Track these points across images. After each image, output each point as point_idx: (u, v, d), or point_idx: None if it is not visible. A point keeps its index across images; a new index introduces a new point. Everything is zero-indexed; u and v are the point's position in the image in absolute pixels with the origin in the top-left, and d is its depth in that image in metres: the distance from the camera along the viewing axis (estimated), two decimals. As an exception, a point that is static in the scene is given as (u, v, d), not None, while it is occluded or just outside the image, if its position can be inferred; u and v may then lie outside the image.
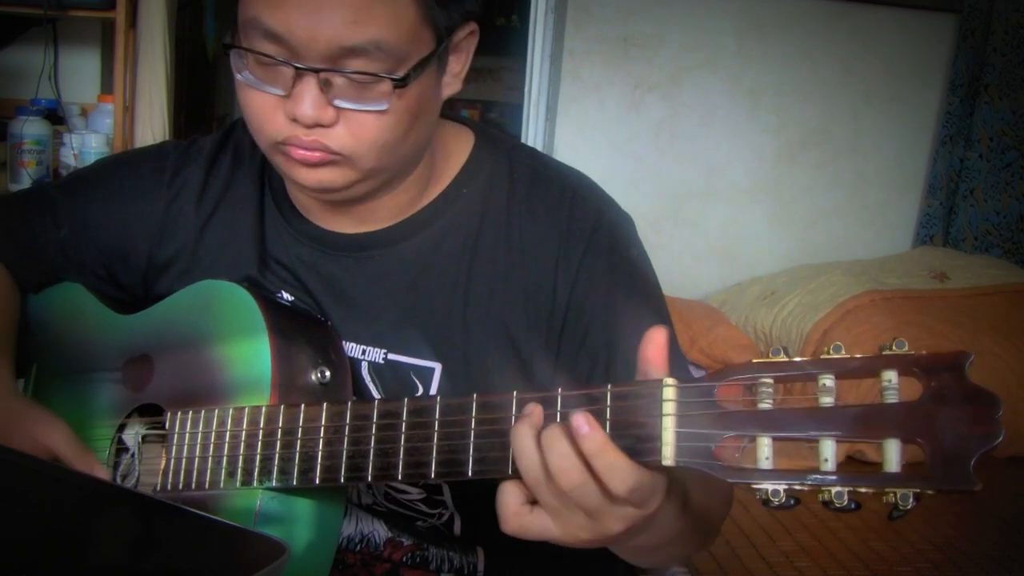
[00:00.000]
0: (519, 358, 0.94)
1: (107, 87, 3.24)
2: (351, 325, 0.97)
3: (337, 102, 0.83)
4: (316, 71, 0.82)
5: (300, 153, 0.86)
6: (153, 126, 3.01)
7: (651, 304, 0.95)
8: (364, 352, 0.97)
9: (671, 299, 3.67)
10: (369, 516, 1.04)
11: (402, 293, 0.96)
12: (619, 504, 0.68)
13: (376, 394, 0.96)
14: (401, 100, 0.84)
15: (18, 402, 0.98)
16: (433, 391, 0.95)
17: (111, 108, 3.02)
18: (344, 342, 0.97)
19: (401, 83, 0.83)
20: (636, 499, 0.68)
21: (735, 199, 3.98)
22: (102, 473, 0.92)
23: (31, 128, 2.85)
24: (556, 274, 0.93)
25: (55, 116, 3.01)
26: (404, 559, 1.04)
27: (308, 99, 0.83)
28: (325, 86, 0.83)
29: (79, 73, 3.26)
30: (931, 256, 3.94)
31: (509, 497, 0.72)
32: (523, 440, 0.69)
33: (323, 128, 0.84)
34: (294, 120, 0.84)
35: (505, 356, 0.94)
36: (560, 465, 0.67)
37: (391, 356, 0.96)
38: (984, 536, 2.82)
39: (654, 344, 0.70)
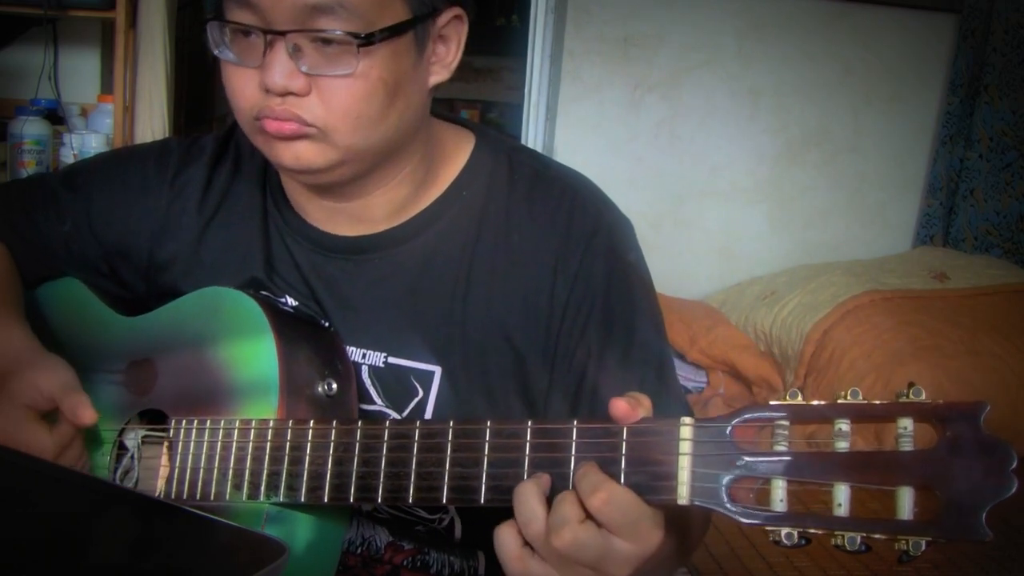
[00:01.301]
0: (518, 361, 0.94)
1: (107, 87, 3.24)
2: (351, 328, 0.97)
3: (305, 67, 0.83)
4: (283, 33, 0.82)
5: (274, 125, 0.85)
6: (153, 126, 3.01)
7: (647, 309, 0.96)
8: (364, 356, 0.96)
9: (671, 299, 3.67)
10: (370, 521, 1.04)
11: (402, 296, 0.96)
12: (619, 548, 0.68)
13: (376, 398, 0.96)
14: (371, 68, 0.84)
15: (26, 346, 0.97)
16: (433, 395, 0.95)
17: (111, 108, 3.02)
18: (345, 346, 0.96)
19: (365, 42, 0.82)
20: (636, 534, 0.68)
21: (735, 199, 3.98)
22: (86, 412, 0.90)
23: (31, 128, 2.86)
24: (555, 277, 0.93)
25: (55, 116, 3.01)
26: (405, 563, 1.04)
27: (277, 66, 0.83)
28: (295, 52, 0.83)
29: (79, 73, 3.25)
30: (931, 256, 3.94)
31: (508, 540, 0.72)
32: (526, 494, 0.71)
33: (296, 98, 0.84)
34: (267, 91, 0.84)
35: (504, 359, 0.94)
36: (554, 523, 0.68)
37: (391, 360, 0.96)
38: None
39: (631, 415, 0.70)
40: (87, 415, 0.90)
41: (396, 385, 0.95)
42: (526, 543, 0.72)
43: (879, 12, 3.88)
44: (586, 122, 3.79)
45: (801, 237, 4.06)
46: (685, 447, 0.68)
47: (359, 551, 1.04)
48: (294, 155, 0.87)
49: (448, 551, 1.04)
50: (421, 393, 0.95)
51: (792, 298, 3.60)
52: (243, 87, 0.87)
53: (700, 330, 3.55)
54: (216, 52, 0.87)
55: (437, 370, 0.95)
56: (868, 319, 3.38)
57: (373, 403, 0.96)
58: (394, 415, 0.95)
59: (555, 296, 0.93)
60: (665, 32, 3.77)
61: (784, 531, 0.64)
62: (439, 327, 0.95)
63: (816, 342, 3.38)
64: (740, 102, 3.88)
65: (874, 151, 4.03)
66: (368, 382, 0.96)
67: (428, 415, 0.94)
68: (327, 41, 0.83)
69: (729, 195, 3.97)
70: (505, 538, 0.72)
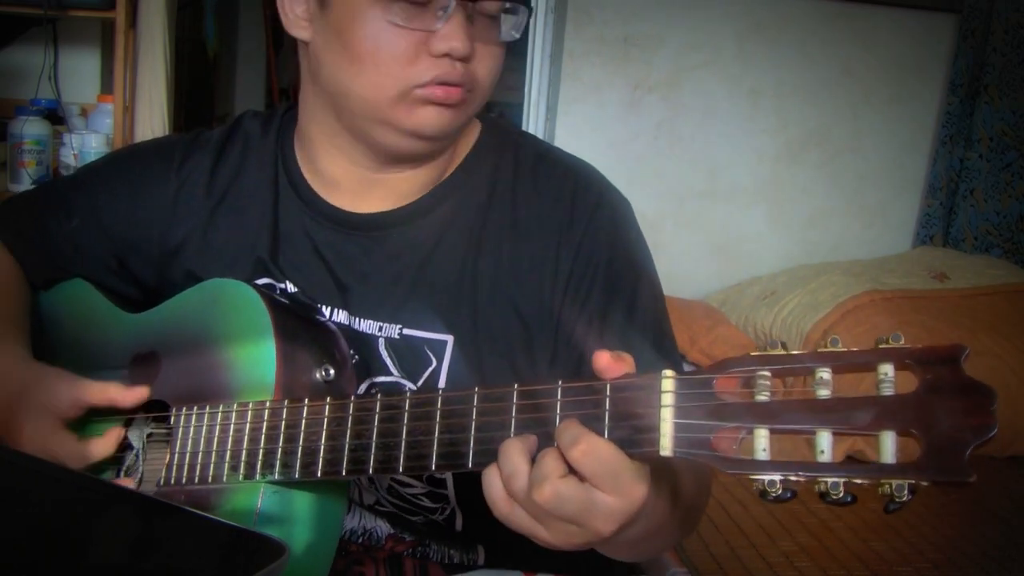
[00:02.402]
0: (525, 328, 0.97)
1: (107, 87, 3.24)
2: (368, 302, 0.99)
3: (474, 35, 0.88)
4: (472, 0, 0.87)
5: (446, 92, 0.88)
6: (153, 126, 3.01)
7: (647, 281, 0.98)
8: (381, 328, 0.99)
9: (671, 299, 3.67)
10: (372, 514, 1.05)
11: (416, 270, 0.98)
12: (602, 502, 0.68)
13: (393, 369, 0.98)
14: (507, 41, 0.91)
15: (36, 365, 0.99)
16: (446, 363, 0.97)
17: (111, 108, 3.02)
18: (362, 319, 0.99)
19: (528, 11, 0.90)
20: (618, 487, 0.68)
21: (735, 199, 3.98)
22: (138, 392, 0.93)
23: (31, 128, 2.85)
24: (559, 249, 0.96)
25: (55, 116, 3.01)
26: (406, 552, 1.05)
27: (462, 30, 0.86)
28: (469, 20, 0.87)
29: (79, 73, 3.25)
30: (931, 256, 3.94)
31: (495, 482, 0.72)
32: (509, 449, 0.71)
33: (464, 65, 0.88)
34: (444, 56, 0.87)
35: (512, 327, 0.97)
36: (536, 477, 0.69)
37: (406, 331, 0.98)
38: (984, 536, 2.82)
39: (614, 368, 0.71)
40: (132, 394, 0.93)
41: (411, 356, 0.98)
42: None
43: (879, 12, 3.88)
44: (586, 122, 3.79)
45: (801, 237, 4.06)
46: (667, 399, 0.68)
47: (360, 541, 1.05)
48: (442, 123, 0.90)
49: (448, 543, 1.05)
50: (435, 362, 0.97)
51: (792, 298, 3.60)
52: (409, 55, 0.87)
53: (700, 330, 3.55)
54: (382, 17, 0.87)
55: (449, 339, 0.97)
56: (868, 319, 3.38)
57: (390, 374, 0.99)
58: (410, 385, 0.98)
59: (559, 267, 0.96)
60: (665, 32, 3.77)
61: (767, 479, 0.64)
62: (450, 297, 0.97)
63: (816, 342, 3.36)
64: (740, 102, 3.88)
65: (874, 151, 4.04)
66: (384, 354, 0.99)
67: (442, 384, 0.97)
68: (510, 10, 0.89)
69: (729, 195, 3.97)
70: (492, 480, 0.72)
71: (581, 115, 3.78)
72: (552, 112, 3.80)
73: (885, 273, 3.74)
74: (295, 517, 0.87)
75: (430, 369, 0.97)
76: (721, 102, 3.86)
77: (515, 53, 4.64)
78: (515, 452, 0.71)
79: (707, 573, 2.49)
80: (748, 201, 3.99)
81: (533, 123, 3.84)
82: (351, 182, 1.00)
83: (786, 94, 3.91)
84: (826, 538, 2.68)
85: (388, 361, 0.98)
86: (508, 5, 0.89)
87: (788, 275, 3.84)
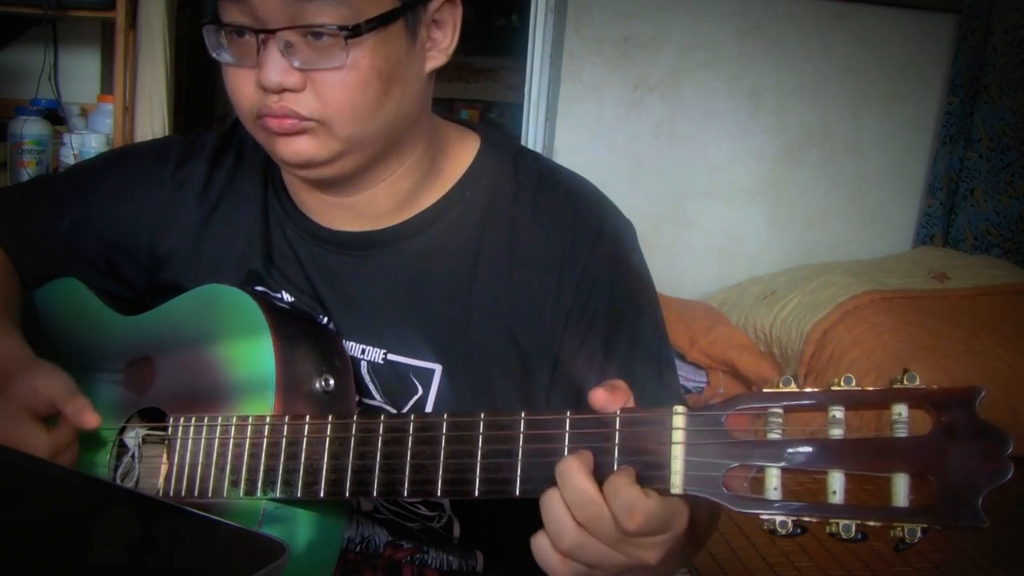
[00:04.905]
0: (522, 361, 0.94)
1: (107, 87, 3.24)
2: (351, 324, 0.97)
3: (298, 63, 0.84)
4: (273, 31, 0.83)
5: (273, 123, 0.86)
6: (153, 126, 3.01)
7: (650, 311, 0.96)
8: (364, 351, 0.96)
9: (671, 299, 3.68)
10: (370, 522, 1.04)
11: (403, 293, 0.96)
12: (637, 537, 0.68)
13: (375, 394, 0.96)
14: (362, 58, 0.84)
15: (22, 352, 0.97)
16: (433, 392, 0.95)
17: (111, 108, 3.02)
18: (344, 341, 0.96)
19: (352, 34, 0.82)
20: (653, 530, 0.68)
21: (735, 199, 3.98)
22: (91, 416, 0.90)
23: (31, 128, 2.86)
24: (560, 278, 0.93)
25: (55, 116, 3.01)
26: (404, 560, 1.05)
27: (270, 63, 0.84)
28: (287, 49, 0.84)
29: (79, 73, 3.26)
30: (931, 256, 3.94)
31: (545, 542, 0.71)
32: (575, 474, 0.69)
33: (292, 94, 0.85)
34: (264, 90, 0.85)
35: (508, 359, 0.94)
36: (620, 507, 0.68)
37: (391, 356, 0.96)
38: (984, 536, 2.82)
39: (612, 401, 0.70)
40: (91, 418, 0.90)
41: (395, 382, 0.95)
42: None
43: (879, 12, 3.88)
44: (586, 122, 3.79)
45: (801, 237, 4.06)
46: (678, 436, 0.67)
47: (358, 549, 1.04)
48: (295, 151, 0.87)
49: (447, 550, 1.04)
50: (421, 391, 0.95)
51: (792, 298, 3.60)
52: (242, 87, 0.87)
53: (700, 330, 3.55)
54: (214, 55, 0.88)
55: (437, 368, 0.94)
56: (868, 319, 3.38)
57: (372, 399, 0.96)
58: (392, 412, 0.95)
59: (560, 297, 0.93)
60: (665, 32, 3.77)
61: (779, 519, 0.64)
62: (441, 325, 0.95)
63: (816, 342, 3.38)
64: (740, 102, 3.88)
65: (874, 151, 4.04)
66: (367, 378, 0.96)
67: None
68: (318, 35, 0.83)
69: (729, 195, 3.97)
70: (543, 540, 0.71)
71: (581, 115, 3.78)
72: (552, 112, 3.80)
73: (885, 273, 3.74)
74: (296, 530, 0.86)
75: (415, 397, 0.95)
76: (721, 102, 3.86)
77: (515, 53, 4.64)
78: (579, 475, 0.69)
79: (707, 573, 2.49)
80: (748, 201, 3.99)
81: (533, 123, 3.84)
82: (315, 203, 0.98)
83: (786, 94, 3.91)
84: (826, 538, 2.67)
85: (371, 386, 0.96)
86: (311, 29, 0.82)
87: (788, 275, 3.84)
